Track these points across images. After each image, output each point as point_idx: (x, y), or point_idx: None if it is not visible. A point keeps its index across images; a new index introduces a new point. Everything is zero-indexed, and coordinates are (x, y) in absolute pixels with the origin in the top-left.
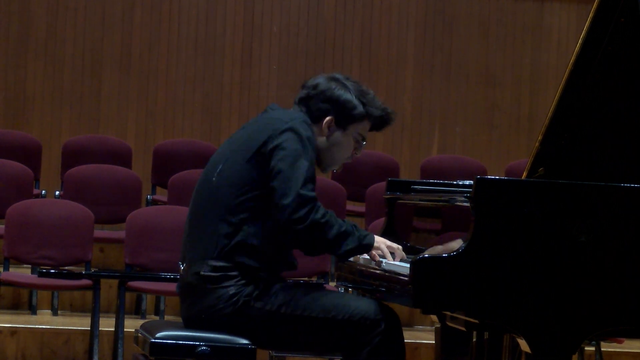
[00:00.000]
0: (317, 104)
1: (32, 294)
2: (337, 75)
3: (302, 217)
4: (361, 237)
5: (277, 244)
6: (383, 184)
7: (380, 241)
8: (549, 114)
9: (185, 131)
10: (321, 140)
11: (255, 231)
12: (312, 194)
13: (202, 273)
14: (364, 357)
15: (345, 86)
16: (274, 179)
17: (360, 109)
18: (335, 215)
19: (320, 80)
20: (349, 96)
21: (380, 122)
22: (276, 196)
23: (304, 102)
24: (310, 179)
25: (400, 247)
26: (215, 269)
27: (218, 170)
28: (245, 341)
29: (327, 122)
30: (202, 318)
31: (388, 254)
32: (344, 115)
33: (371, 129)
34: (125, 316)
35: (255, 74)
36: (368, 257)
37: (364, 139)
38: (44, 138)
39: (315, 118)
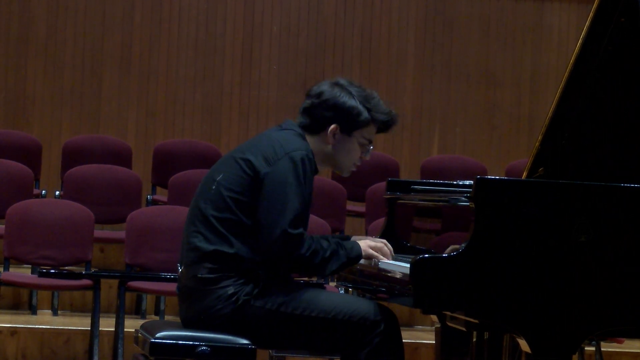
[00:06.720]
0: (321, 113)
1: (32, 294)
2: (341, 81)
3: (287, 253)
4: (347, 252)
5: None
6: (383, 184)
7: (366, 247)
8: (549, 114)
9: (186, 131)
10: (327, 148)
11: (248, 247)
12: (298, 230)
13: (199, 275)
14: (363, 357)
15: (349, 92)
16: (262, 213)
17: (365, 115)
18: (319, 241)
19: (324, 88)
20: (354, 102)
21: (385, 125)
22: (263, 232)
23: (307, 112)
24: (299, 216)
25: (384, 241)
26: (212, 270)
27: (219, 178)
28: (245, 341)
29: (332, 130)
30: (201, 318)
31: (380, 257)
32: (349, 122)
33: (377, 132)
34: (125, 316)
35: (255, 74)
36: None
37: (370, 142)
38: (44, 138)
39: (320, 126)
